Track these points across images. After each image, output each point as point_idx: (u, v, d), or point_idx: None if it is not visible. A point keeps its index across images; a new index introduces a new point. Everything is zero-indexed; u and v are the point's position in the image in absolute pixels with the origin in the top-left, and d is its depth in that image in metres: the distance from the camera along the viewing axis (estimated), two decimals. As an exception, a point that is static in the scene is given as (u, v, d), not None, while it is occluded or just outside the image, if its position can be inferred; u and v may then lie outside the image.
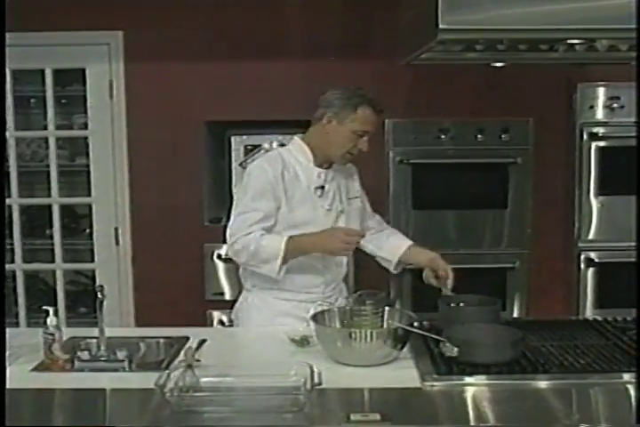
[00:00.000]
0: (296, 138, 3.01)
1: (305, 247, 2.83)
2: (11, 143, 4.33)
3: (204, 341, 2.54)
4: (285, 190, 2.85)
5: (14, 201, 4.35)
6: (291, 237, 2.79)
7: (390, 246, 3.14)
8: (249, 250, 2.78)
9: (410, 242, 3.14)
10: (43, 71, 4.25)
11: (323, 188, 2.93)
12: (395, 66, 3.73)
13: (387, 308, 2.52)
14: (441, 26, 2.51)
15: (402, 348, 2.38)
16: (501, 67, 3.43)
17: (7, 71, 4.23)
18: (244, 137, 4.15)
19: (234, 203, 2.91)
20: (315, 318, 2.47)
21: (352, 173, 3.12)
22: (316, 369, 2.12)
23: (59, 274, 4.40)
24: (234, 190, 4.15)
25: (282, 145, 4.12)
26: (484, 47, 2.81)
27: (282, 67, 4.12)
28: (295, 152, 2.94)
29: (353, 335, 2.31)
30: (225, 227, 2.89)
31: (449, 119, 4.13)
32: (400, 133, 4.11)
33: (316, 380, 2.06)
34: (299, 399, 2.01)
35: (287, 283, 2.89)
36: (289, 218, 2.86)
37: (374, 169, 4.14)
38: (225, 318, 4.12)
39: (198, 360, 2.28)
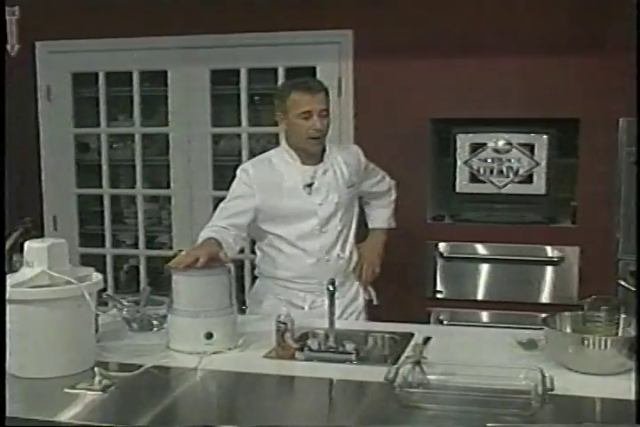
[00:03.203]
0: (283, 140, 3.21)
1: None
2: (243, 139, 4.53)
3: (428, 338, 2.55)
4: (271, 191, 3.06)
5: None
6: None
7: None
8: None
9: (377, 225, 3.46)
10: (275, 70, 4.41)
11: (311, 185, 3.09)
12: (627, 62, 3.56)
13: (623, 315, 2.41)
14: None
15: (638, 358, 2.27)
16: None
17: (243, 70, 4.43)
18: (470, 135, 4.11)
19: None
20: (545, 321, 2.41)
21: (351, 160, 3.23)
22: (547, 374, 2.07)
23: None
24: (457, 189, 4.13)
25: (509, 144, 4.07)
26: None
27: (510, 64, 4.04)
28: (282, 153, 3.15)
29: (586, 342, 2.23)
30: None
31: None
32: (635, 134, 3.90)
33: (547, 385, 2.01)
34: (530, 404, 1.96)
35: (284, 272, 3.13)
36: (278, 214, 3.07)
37: (605, 169, 3.97)
38: (443, 317, 4.11)
39: (425, 357, 2.28)
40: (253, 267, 4.57)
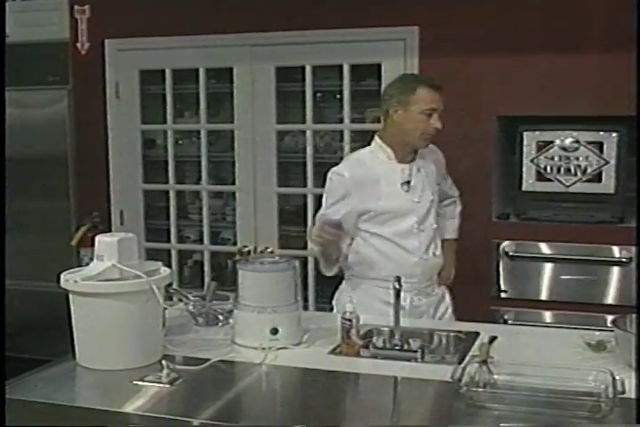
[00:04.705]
0: (376, 137, 3.12)
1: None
2: (308, 135, 4.55)
3: (494, 337, 2.52)
4: (368, 191, 3.01)
5: (309, 191, 4.56)
6: None
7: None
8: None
9: (449, 235, 3.44)
10: (340, 66, 4.41)
11: (409, 182, 3.06)
12: None
13: (696, 317, 2.35)
14: None
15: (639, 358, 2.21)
16: None
17: (309, 67, 4.44)
18: (537, 133, 4.04)
19: None
20: (615, 322, 2.36)
21: (436, 160, 3.25)
22: (617, 376, 2.03)
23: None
24: (523, 187, 4.08)
25: (576, 142, 4.00)
26: None
27: (578, 61, 3.96)
28: (376, 152, 3.09)
29: (658, 344, 2.19)
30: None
31: None
32: None
33: (618, 388, 1.97)
34: (600, 406, 1.93)
35: (384, 272, 3.02)
36: (377, 214, 3.02)
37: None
38: (507, 316, 4.06)
39: (491, 357, 2.26)
40: (312, 265, 4.62)
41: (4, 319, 2.44)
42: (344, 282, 3.26)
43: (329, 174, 3.12)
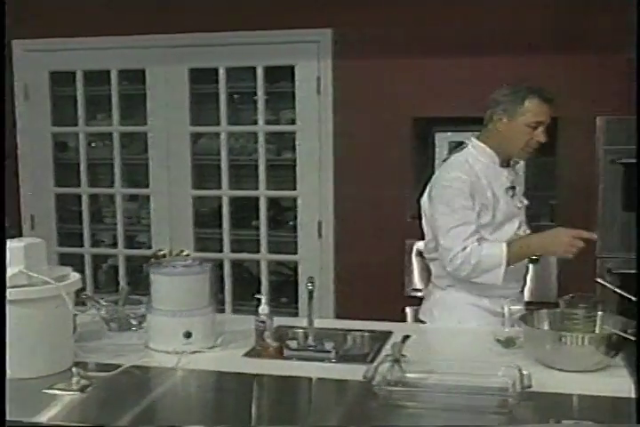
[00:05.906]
0: (474, 140, 2.99)
1: (527, 251, 2.87)
2: (222, 137, 4.53)
3: (408, 336, 2.55)
4: (482, 196, 2.84)
5: (224, 193, 4.55)
6: (509, 243, 2.81)
7: None
8: (470, 263, 2.78)
9: None
10: (254, 68, 4.41)
11: (514, 188, 2.96)
12: (609, 61, 3.57)
13: (600, 312, 2.42)
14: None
15: (615, 355, 2.28)
16: None
17: (222, 69, 4.43)
18: (449, 133, 4.11)
19: (437, 217, 2.87)
20: (523, 318, 2.42)
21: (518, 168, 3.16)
22: (524, 371, 2.08)
23: (263, 264, 4.55)
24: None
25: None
26: None
27: (491, 62, 4.05)
28: (479, 155, 2.94)
29: (563, 339, 2.24)
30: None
31: (667, 117, 3.89)
32: (613, 132, 3.92)
33: (525, 382, 2.02)
34: (507, 401, 1.98)
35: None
36: (491, 221, 2.87)
37: (584, 168, 4.00)
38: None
39: (404, 355, 2.29)
40: (229, 268, 4.59)
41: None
42: (438, 291, 3.03)
43: (444, 183, 2.88)
